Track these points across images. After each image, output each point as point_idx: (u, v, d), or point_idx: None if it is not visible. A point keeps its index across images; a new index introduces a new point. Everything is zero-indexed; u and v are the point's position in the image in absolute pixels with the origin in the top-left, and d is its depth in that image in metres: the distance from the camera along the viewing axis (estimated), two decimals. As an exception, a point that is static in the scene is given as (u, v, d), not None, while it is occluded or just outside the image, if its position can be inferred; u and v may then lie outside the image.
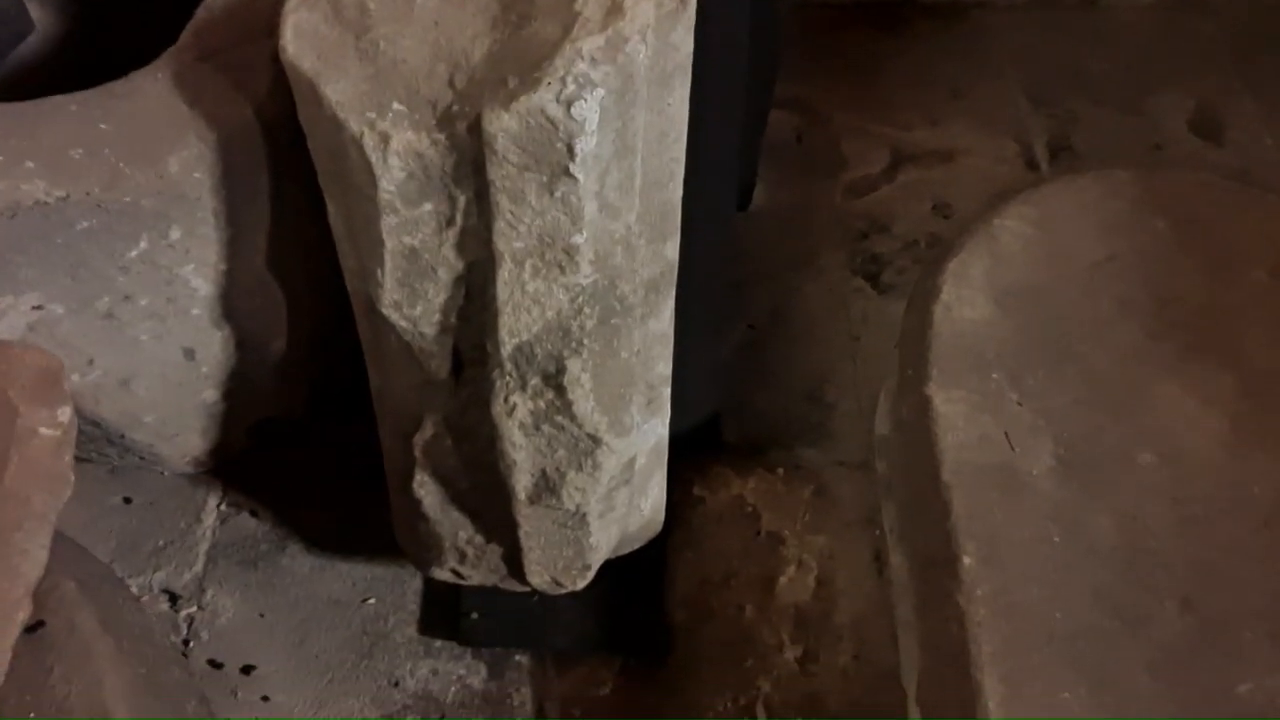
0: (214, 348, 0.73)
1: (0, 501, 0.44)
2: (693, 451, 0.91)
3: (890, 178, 1.19)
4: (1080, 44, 1.33)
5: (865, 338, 1.05)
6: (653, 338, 0.67)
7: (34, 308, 0.58)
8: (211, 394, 0.78)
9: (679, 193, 0.61)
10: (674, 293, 0.67)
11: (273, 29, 0.62)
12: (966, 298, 0.81)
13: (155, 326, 0.67)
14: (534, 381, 0.59)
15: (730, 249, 0.84)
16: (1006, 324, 0.80)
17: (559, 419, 0.60)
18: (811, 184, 1.17)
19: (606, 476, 0.64)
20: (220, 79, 0.59)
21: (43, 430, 0.48)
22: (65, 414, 0.50)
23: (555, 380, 0.59)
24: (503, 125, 0.49)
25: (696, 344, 0.79)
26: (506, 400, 0.60)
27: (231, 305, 0.71)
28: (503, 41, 0.51)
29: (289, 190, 0.65)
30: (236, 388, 0.79)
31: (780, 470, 0.95)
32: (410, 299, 0.59)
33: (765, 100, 1.00)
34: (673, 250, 0.64)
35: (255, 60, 0.59)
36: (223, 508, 0.89)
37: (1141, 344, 0.79)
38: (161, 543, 0.85)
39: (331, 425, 0.91)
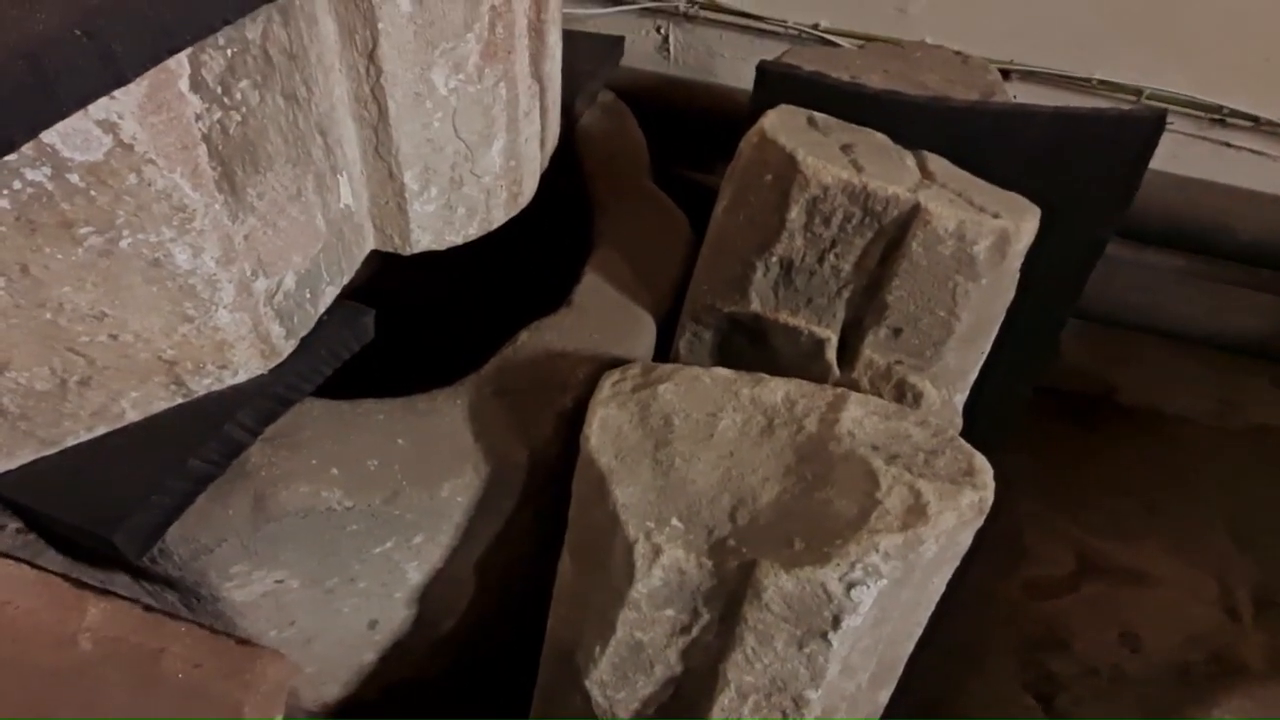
0: (395, 622, 0.75)
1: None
2: None
3: (1074, 586, 1.12)
4: (1290, 492, 1.27)
5: (1029, 773, 0.94)
6: (837, 774, 0.63)
7: (276, 581, 0.62)
8: (371, 656, 0.78)
9: (910, 648, 0.59)
10: (870, 731, 0.63)
11: (565, 386, 0.69)
12: (1180, 807, 0.71)
13: (360, 603, 0.69)
14: (718, 818, 0.55)
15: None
16: None
17: None
18: (989, 570, 1.12)
19: None
20: (508, 419, 0.64)
21: (254, 748, 0.48)
22: (275, 727, 0.50)
23: (743, 827, 0.55)
24: (777, 582, 0.49)
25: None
26: (684, 827, 0.56)
27: (428, 592, 0.72)
28: (793, 495, 0.53)
29: (523, 516, 0.68)
30: (393, 654, 0.79)
31: None
32: (618, 683, 0.58)
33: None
34: (885, 696, 0.61)
35: (542, 411, 0.65)
36: (328, 761, 0.86)
37: None
38: (260, 785, 0.82)
39: (451, 700, 0.89)
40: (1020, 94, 1.10)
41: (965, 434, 0.74)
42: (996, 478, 1.15)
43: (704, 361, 0.72)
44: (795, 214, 0.62)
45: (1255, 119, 1.04)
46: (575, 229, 0.88)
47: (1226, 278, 1.19)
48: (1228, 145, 1.08)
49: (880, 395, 0.64)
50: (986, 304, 0.63)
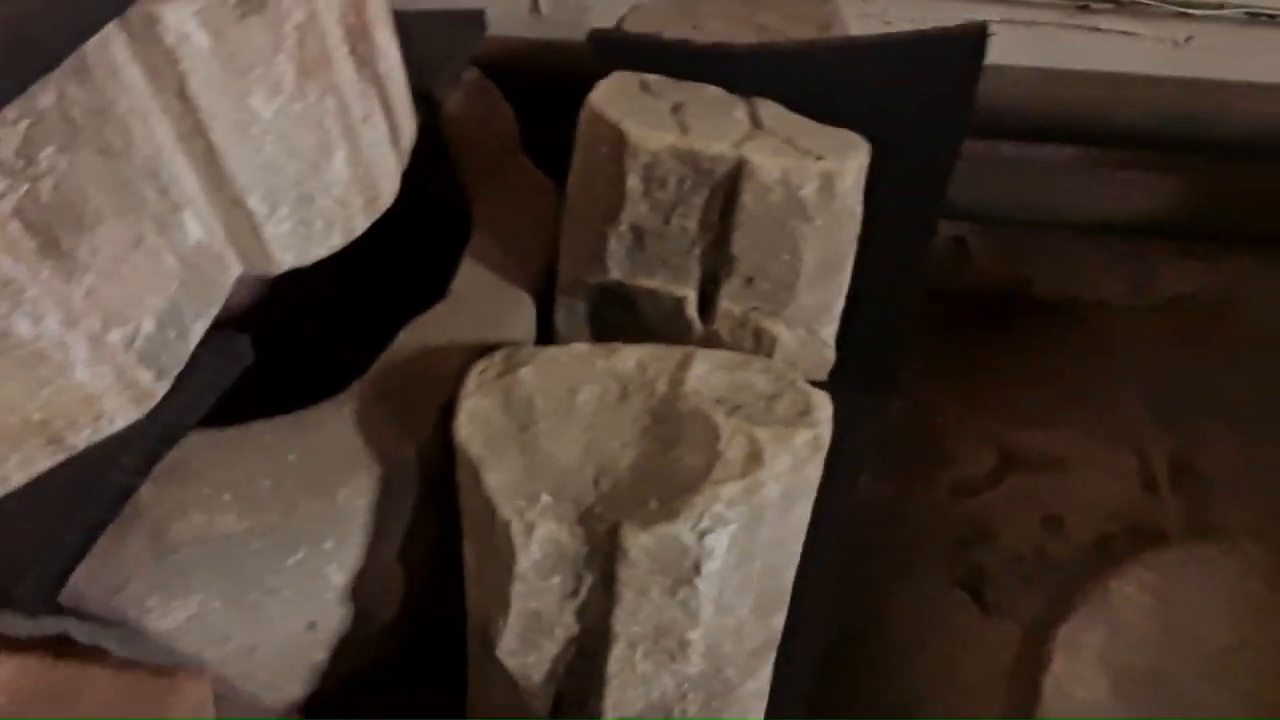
0: (333, 621, 0.79)
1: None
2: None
3: (997, 481, 1.18)
4: (1210, 357, 1.32)
5: (964, 663, 1.01)
6: (749, 696, 0.68)
7: (198, 604, 0.66)
8: (321, 654, 0.83)
9: (791, 576, 0.64)
10: (774, 654, 0.68)
11: (443, 380, 0.72)
12: (1079, 673, 0.78)
13: (291, 609, 0.73)
14: (630, 754, 0.61)
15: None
16: (1123, 711, 0.76)
17: (649, 799, 0.60)
18: (913, 478, 1.17)
19: None
20: (393, 420, 0.67)
21: (182, 765, 0.52)
22: (204, 743, 0.54)
23: (651, 760, 0.60)
24: (638, 541, 0.53)
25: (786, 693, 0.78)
26: (601, 768, 0.61)
27: (358, 588, 0.76)
28: (649, 456, 0.56)
29: (427, 507, 0.72)
30: (342, 648, 0.84)
31: (864, 809, 0.90)
32: (525, 649, 0.62)
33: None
34: (779, 621, 0.66)
35: (423, 408, 0.68)
36: (307, 752, 0.92)
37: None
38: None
39: (411, 680, 0.94)
40: (889, 10, 1.10)
41: (851, 359, 0.78)
42: (910, 389, 1.18)
43: (581, 333, 0.75)
44: (633, 183, 0.64)
45: (1118, 0, 1.05)
46: (456, 219, 0.89)
47: (1118, 162, 1.22)
48: (1096, 30, 1.09)
49: (740, 343, 0.67)
50: (828, 242, 0.66)
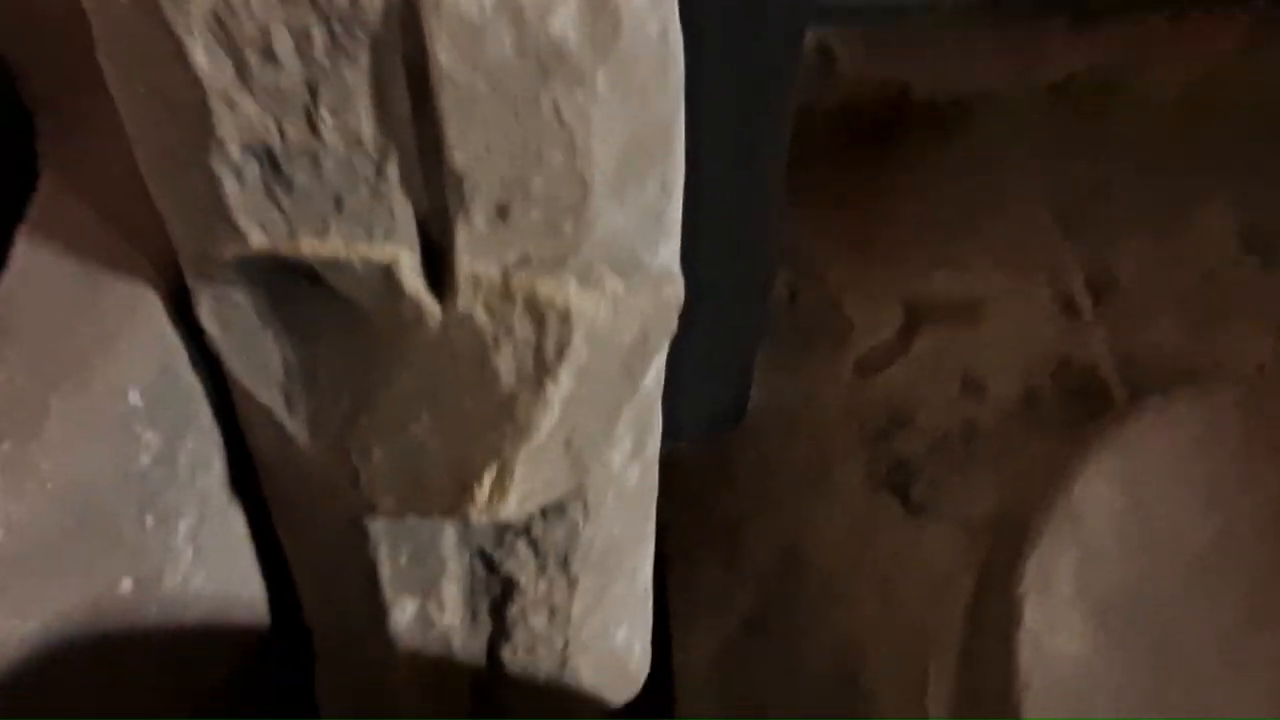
0: None
1: None
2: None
3: (906, 345, 0.98)
4: (1102, 151, 1.12)
5: (900, 581, 0.84)
6: None
7: None
8: None
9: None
10: None
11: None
12: (1058, 621, 0.60)
13: None
14: None
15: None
16: (1114, 657, 0.59)
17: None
18: (814, 364, 0.95)
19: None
20: None
21: None
22: None
23: None
24: None
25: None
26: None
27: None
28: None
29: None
30: None
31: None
32: None
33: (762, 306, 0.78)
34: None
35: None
36: None
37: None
38: None
39: None
40: None
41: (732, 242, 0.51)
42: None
43: (256, 344, 0.43)
44: (201, 57, 0.31)
45: None
46: (18, 160, 0.52)
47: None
48: None
49: (510, 328, 0.38)
50: (630, 112, 0.36)
